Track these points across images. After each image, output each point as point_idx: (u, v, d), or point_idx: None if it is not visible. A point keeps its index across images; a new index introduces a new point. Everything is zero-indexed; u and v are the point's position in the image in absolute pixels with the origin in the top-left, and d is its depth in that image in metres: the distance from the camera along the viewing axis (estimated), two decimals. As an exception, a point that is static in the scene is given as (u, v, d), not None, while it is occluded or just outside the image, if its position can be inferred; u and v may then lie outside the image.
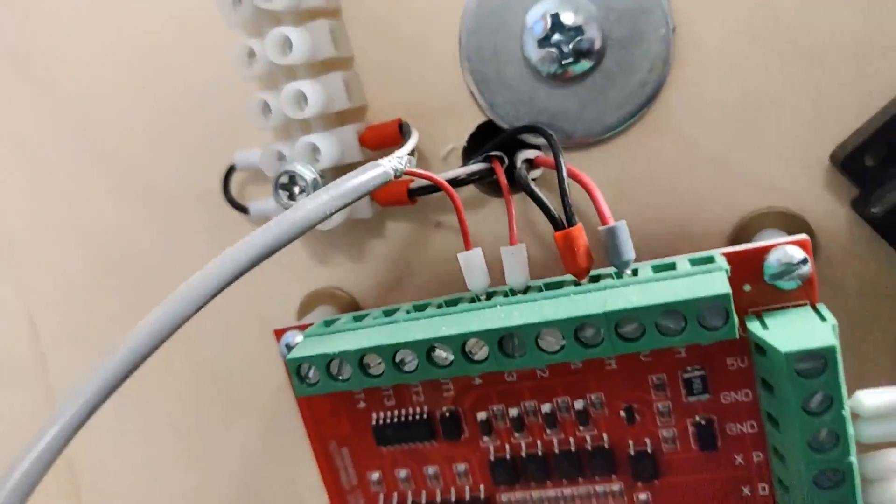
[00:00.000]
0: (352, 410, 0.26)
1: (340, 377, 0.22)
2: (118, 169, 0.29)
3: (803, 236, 0.21)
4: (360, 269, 0.27)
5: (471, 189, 0.26)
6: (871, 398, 0.21)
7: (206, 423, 0.31)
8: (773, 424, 0.21)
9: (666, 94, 0.24)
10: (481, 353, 0.21)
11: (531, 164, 0.24)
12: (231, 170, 0.27)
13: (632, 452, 0.24)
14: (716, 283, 0.20)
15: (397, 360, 0.22)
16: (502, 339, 0.21)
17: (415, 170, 0.22)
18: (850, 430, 0.20)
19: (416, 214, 0.26)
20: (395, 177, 0.22)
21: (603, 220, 0.21)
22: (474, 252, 0.23)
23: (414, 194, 0.25)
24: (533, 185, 0.22)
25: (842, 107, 0.23)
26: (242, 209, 0.27)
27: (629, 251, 0.21)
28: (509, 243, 0.23)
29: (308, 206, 0.19)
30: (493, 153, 0.24)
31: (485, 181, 0.24)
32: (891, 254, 0.23)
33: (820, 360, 0.19)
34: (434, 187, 0.24)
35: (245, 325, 0.29)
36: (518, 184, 0.23)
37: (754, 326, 0.21)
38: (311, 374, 0.23)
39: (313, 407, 0.26)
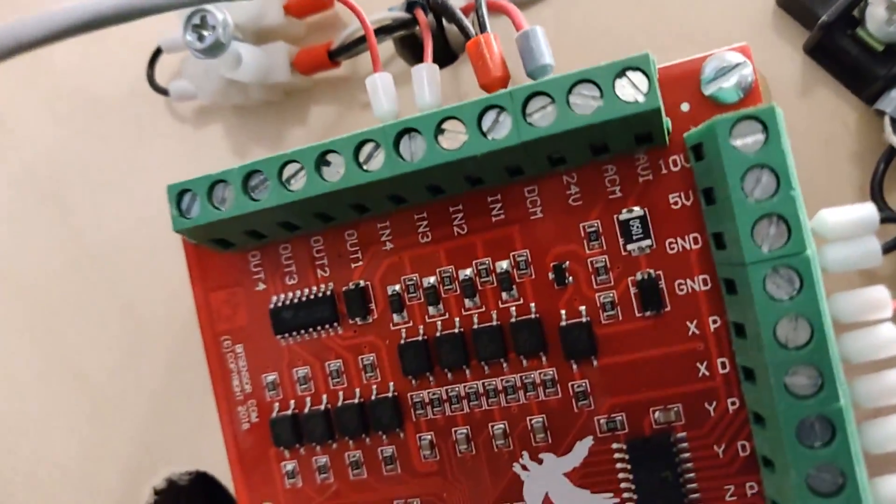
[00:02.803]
0: (249, 294, 0.22)
1: (223, 207, 0.20)
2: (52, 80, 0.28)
3: (742, 43, 0.19)
4: (280, 161, 0.25)
5: (397, 63, 0.24)
6: (835, 216, 0.17)
7: (110, 366, 0.27)
8: (722, 250, 0.18)
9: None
10: (377, 160, 0.18)
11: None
12: (157, 53, 0.26)
13: (563, 323, 0.20)
14: (636, 55, 0.17)
15: (284, 176, 0.19)
16: (399, 138, 0.18)
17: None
18: (803, 217, 0.16)
19: (342, 92, 0.24)
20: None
21: (517, 27, 0.19)
22: (383, 75, 0.20)
23: (336, 55, 0.23)
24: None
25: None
26: (162, 91, 0.25)
27: (546, 55, 0.19)
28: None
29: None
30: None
31: (408, 30, 0.22)
32: (847, 96, 0.21)
33: (759, 130, 0.16)
34: (358, 41, 0.22)
35: (150, 240, 0.26)
36: (436, 12, 0.21)
37: (691, 132, 0.18)
38: (193, 206, 0.20)
39: (209, 294, 0.23)
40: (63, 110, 0.27)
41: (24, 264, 0.28)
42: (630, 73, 0.17)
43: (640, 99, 0.17)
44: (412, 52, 0.24)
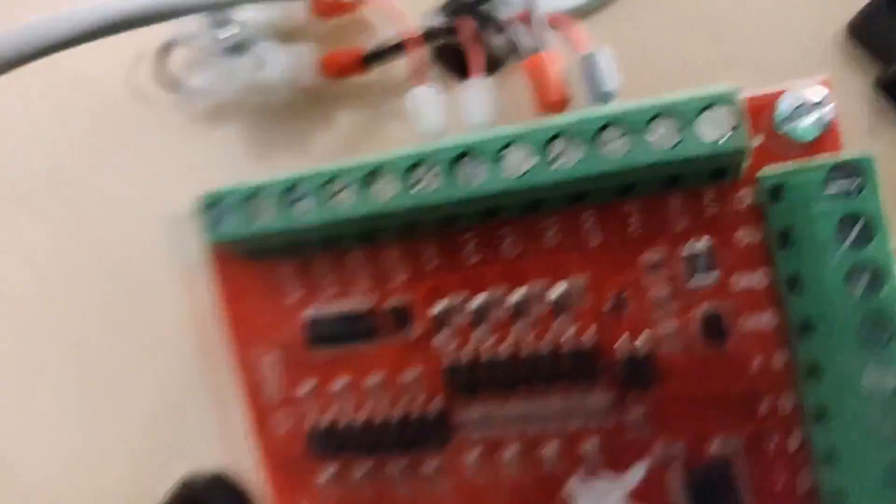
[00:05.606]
0: (283, 306, 0.21)
1: (260, 220, 0.19)
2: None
3: (823, 76, 0.18)
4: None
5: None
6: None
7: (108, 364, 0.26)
8: (795, 293, 0.17)
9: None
10: (432, 183, 0.17)
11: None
12: (167, 47, 0.24)
13: (621, 352, 0.19)
14: (721, 87, 0.16)
15: (329, 192, 0.18)
16: (458, 161, 0.17)
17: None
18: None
19: (369, 98, 0.23)
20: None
21: (579, 49, 0.18)
22: (427, 90, 0.19)
23: (371, 60, 0.21)
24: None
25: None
26: (173, 88, 0.24)
27: (612, 80, 0.18)
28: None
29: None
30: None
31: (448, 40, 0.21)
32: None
33: (854, 179, 0.15)
34: (394, 48, 0.21)
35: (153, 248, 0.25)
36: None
37: (768, 172, 0.17)
38: (228, 217, 0.19)
39: (240, 303, 0.22)
40: (64, 110, 0.25)
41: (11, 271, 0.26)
42: (714, 108, 0.16)
43: (724, 137, 0.16)
44: (449, 61, 0.22)
